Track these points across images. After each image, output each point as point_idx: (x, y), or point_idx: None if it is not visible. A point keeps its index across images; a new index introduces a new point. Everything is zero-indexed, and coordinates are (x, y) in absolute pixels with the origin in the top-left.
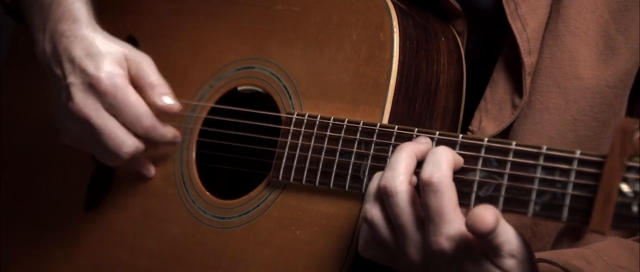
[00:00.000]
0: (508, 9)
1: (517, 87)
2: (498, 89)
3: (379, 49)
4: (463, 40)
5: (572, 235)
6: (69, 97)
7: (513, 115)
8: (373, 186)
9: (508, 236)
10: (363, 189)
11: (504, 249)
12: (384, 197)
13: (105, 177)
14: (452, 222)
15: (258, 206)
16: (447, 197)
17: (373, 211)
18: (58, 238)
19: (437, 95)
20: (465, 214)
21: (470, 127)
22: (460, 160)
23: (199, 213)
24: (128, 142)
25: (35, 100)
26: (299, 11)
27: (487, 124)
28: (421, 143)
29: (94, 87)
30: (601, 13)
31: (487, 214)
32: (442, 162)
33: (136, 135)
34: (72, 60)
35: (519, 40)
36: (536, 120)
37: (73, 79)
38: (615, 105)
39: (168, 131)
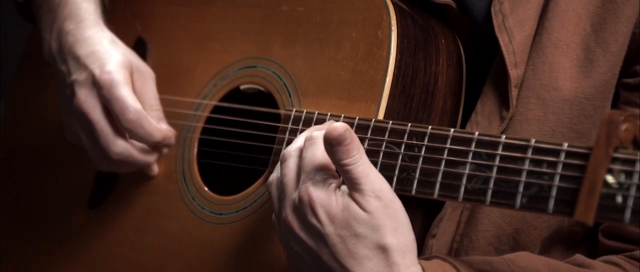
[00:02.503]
0: (496, 22)
1: (504, 99)
2: (487, 102)
3: (376, 46)
4: (463, 45)
5: (564, 245)
6: (72, 93)
7: (501, 127)
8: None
9: (371, 174)
10: None
11: (364, 184)
12: (281, 163)
13: (111, 176)
14: (320, 171)
15: (255, 201)
16: (320, 150)
17: (273, 175)
18: (61, 235)
19: (435, 96)
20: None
21: None
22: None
23: (197, 209)
24: (118, 142)
25: (46, 100)
26: (303, 11)
27: None
28: (324, 124)
29: (95, 84)
30: (584, 26)
31: (337, 125)
32: (322, 127)
33: (124, 131)
34: (77, 59)
35: (505, 53)
36: (516, 131)
37: (77, 76)
38: (594, 117)
39: (155, 131)
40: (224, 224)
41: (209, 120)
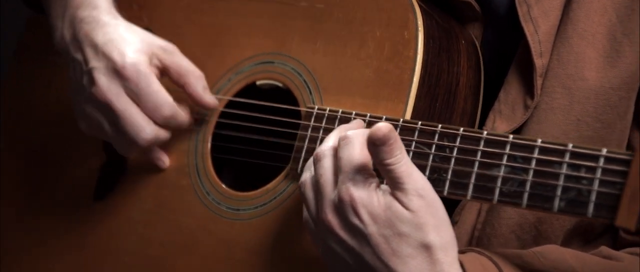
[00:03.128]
0: (521, 11)
1: (528, 88)
2: (511, 91)
3: (403, 46)
4: (478, 44)
5: (583, 237)
6: (91, 81)
7: (525, 115)
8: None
9: (413, 172)
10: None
11: (407, 183)
12: (315, 162)
13: (116, 169)
14: (360, 172)
15: (275, 198)
16: (357, 144)
17: (305, 175)
18: (67, 229)
19: (456, 96)
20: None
21: (484, 128)
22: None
23: (212, 204)
24: (147, 129)
25: (45, 92)
26: (323, 8)
27: (500, 124)
28: (354, 123)
29: (118, 72)
30: (609, 16)
31: (381, 125)
32: (357, 128)
33: (155, 123)
34: (95, 46)
35: (531, 42)
36: (541, 120)
37: (96, 64)
38: (619, 107)
39: (186, 119)
40: (242, 220)
41: (223, 115)
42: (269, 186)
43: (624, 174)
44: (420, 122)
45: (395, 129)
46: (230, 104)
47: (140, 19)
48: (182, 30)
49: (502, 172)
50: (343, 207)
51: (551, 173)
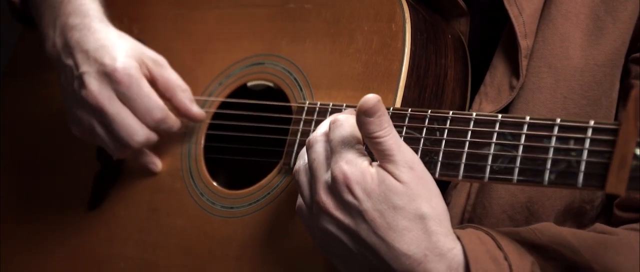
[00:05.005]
0: None
1: (514, 69)
2: (497, 73)
3: (390, 38)
4: (465, 39)
5: (575, 220)
6: (82, 85)
7: (510, 96)
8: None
9: (401, 145)
10: None
11: (396, 155)
12: (307, 149)
13: (110, 175)
14: (352, 149)
15: (268, 193)
16: (349, 129)
17: (299, 162)
18: (61, 236)
19: (445, 88)
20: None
21: (471, 111)
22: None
23: (207, 204)
24: (140, 132)
25: (38, 101)
26: (311, 8)
27: (485, 106)
28: (346, 110)
29: (109, 76)
30: None
31: (369, 96)
32: (350, 112)
33: (147, 126)
34: (86, 52)
35: (515, 24)
36: (528, 100)
37: (87, 68)
38: (604, 84)
39: (176, 123)
40: (236, 218)
41: (215, 116)
42: (263, 182)
43: (611, 143)
44: (410, 109)
45: None
46: (222, 106)
47: (131, 32)
48: (173, 40)
49: (492, 150)
50: (337, 187)
51: (541, 147)
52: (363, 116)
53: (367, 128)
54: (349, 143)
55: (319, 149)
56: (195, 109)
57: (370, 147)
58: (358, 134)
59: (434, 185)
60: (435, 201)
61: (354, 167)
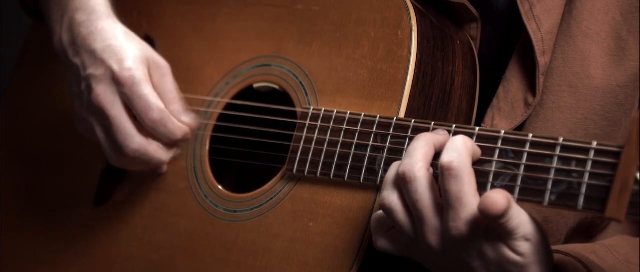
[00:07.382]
0: (523, 9)
1: (530, 86)
2: (511, 88)
3: (397, 46)
4: (476, 45)
5: (584, 235)
6: (89, 88)
7: (526, 113)
8: (391, 173)
9: (521, 220)
10: (378, 181)
11: (517, 233)
12: (403, 183)
13: (116, 174)
14: (471, 208)
15: (271, 198)
16: (466, 182)
17: (391, 197)
18: (66, 234)
19: (452, 96)
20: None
21: (482, 125)
22: (479, 151)
23: (210, 207)
24: (135, 138)
25: (46, 98)
26: (318, 10)
27: (499, 122)
28: (439, 134)
29: (115, 79)
30: (613, 15)
31: (498, 198)
32: (462, 148)
33: (147, 135)
34: (93, 52)
35: (534, 41)
36: (547, 119)
37: (93, 71)
38: (625, 105)
39: (177, 129)
40: (238, 222)
41: (221, 117)
42: (265, 187)
43: (613, 166)
44: (413, 120)
45: (389, 127)
46: (228, 107)
47: (139, 26)
48: (181, 36)
49: (493, 168)
50: (451, 243)
51: (542, 167)
52: (489, 219)
53: (492, 222)
54: (470, 215)
55: (422, 190)
56: (185, 118)
57: (493, 224)
58: (474, 185)
59: (547, 249)
60: (544, 266)
61: (474, 241)
